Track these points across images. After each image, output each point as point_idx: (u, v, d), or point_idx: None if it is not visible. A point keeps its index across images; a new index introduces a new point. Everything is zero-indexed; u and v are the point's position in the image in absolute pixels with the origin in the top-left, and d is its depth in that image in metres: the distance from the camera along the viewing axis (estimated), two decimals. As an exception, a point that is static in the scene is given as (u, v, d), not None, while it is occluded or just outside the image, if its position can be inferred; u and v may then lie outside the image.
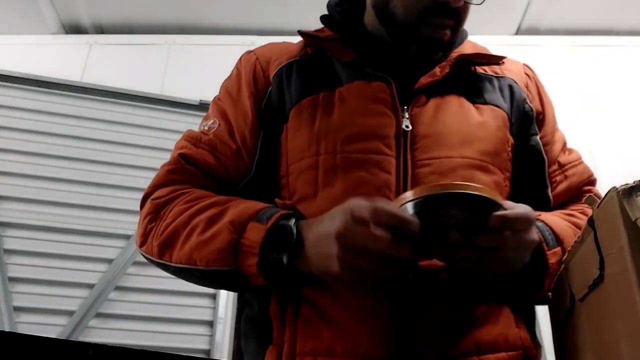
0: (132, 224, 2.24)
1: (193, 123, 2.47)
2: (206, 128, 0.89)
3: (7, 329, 1.91)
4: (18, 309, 2.02)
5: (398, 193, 0.74)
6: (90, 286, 2.10)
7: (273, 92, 0.88)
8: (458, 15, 0.86)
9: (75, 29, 2.85)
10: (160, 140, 2.42)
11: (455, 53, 0.90)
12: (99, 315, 2.08)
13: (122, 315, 2.10)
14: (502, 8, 2.71)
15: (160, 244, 0.80)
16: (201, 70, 2.72)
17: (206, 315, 2.16)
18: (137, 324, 2.10)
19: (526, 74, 0.96)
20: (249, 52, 0.96)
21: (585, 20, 2.81)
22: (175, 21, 2.83)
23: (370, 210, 0.63)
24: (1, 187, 2.20)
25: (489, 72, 0.91)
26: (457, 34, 0.89)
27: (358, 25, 0.95)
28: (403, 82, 0.85)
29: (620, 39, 2.85)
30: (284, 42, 0.97)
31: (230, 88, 0.92)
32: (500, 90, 0.90)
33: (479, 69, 0.91)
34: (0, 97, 2.38)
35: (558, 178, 0.90)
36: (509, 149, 0.86)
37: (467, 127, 0.83)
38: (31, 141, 2.30)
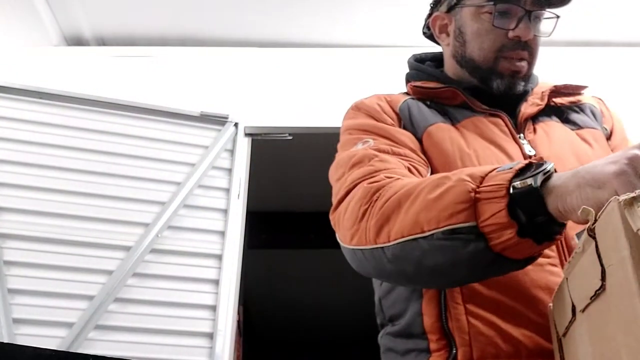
0: (131, 235, 2.26)
1: (194, 134, 2.50)
2: (365, 145, 0.91)
3: (6, 341, 1.90)
4: (17, 321, 2.01)
5: None
6: (89, 298, 2.09)
7: (404, 119, 0.99)
8: (531, 48, 0.99)
9: (77, 41, 2.86)
10: (161, 152, 2.42)
11: (541, 88, 1.02)
12: (99, 327, 2.07)
13: (122, 327, 2.09)
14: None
15: (378, 221, 0.73)
16: (203, 82, 2.73)
17: (206, 328, 2.15)
18: (137, 336, 2.09)
19: (597, 100, 1.08)
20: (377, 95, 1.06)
21: (583, 32, 2.83)
22: (177, 33, 2.85)
23: None
24: (1, 199, 2.20)
25: (567, 104, 1.03)
26: (532, 66, 1.01)
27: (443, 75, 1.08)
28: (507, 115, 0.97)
29: (617, 50, 2.86)
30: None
31: (368, 118, 1.00)
32: (585, 114, 1.02)
33: (559, 103, 1.03)
34: (1, 108, 2.38)
35: None
36: None
37: (579, 148, 0.93)
38: (32, 153, 2.30)
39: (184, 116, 2.52)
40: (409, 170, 0.85)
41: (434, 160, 0.91)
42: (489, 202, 0.63)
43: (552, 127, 0.97)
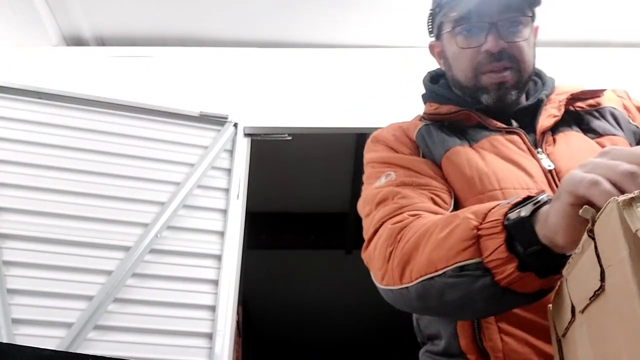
0: (130, 236, 2.26)
1: (194, 135, 2.50)
2: (387, 179, 0.92)
3: (5, 341, 1.90)
4: (17, 321, 2.01)
5: None
6: (89, 298, 2.09)
7: (421, 147, 1.00)
8: (511, 55, 0.96)
9: (76, 41, 2.86)
10: (160, 152, 2.42)
11: (558, 95, 1.00)
12: (98, 327, 2.07)
13: (121, 328, 2.09)
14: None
15: (400, 262, 0.75)
16: (202, 82, 2.73)
17: (205, 328, 2.14)
18: (136, 336, 2.09)
19: (619, 97, 1.05)
20: (394, 126, 1.07)
21: (581, 33, 2.83)
22: (176, 33, 2.85)
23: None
24: (1, 199, 2.20)
25: (587, 108, 1.01)
26: (522, 72, 0.98)
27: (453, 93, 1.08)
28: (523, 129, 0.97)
29: (617, 50, 2.86)
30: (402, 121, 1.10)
31: (388, 150, 1.01)
32: (605, 119, 0.99)
33: (577, 106, 1.01)
34: (0, 108, 2.38)
35: None
36: None
37: None
38: (31, 153, 2.30)
39: (184, 116, 2.52)
40: (432, 200, 0.87)
41: (455, 185, 0.92)
42: (490, 238, 0.64)
43: (572, 137, 0.96)
